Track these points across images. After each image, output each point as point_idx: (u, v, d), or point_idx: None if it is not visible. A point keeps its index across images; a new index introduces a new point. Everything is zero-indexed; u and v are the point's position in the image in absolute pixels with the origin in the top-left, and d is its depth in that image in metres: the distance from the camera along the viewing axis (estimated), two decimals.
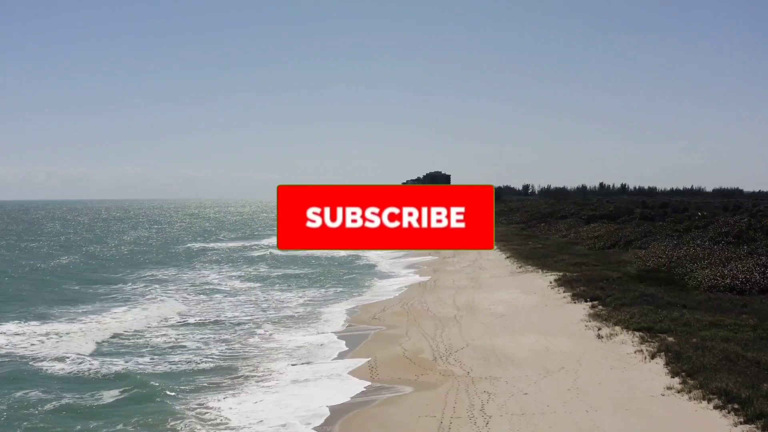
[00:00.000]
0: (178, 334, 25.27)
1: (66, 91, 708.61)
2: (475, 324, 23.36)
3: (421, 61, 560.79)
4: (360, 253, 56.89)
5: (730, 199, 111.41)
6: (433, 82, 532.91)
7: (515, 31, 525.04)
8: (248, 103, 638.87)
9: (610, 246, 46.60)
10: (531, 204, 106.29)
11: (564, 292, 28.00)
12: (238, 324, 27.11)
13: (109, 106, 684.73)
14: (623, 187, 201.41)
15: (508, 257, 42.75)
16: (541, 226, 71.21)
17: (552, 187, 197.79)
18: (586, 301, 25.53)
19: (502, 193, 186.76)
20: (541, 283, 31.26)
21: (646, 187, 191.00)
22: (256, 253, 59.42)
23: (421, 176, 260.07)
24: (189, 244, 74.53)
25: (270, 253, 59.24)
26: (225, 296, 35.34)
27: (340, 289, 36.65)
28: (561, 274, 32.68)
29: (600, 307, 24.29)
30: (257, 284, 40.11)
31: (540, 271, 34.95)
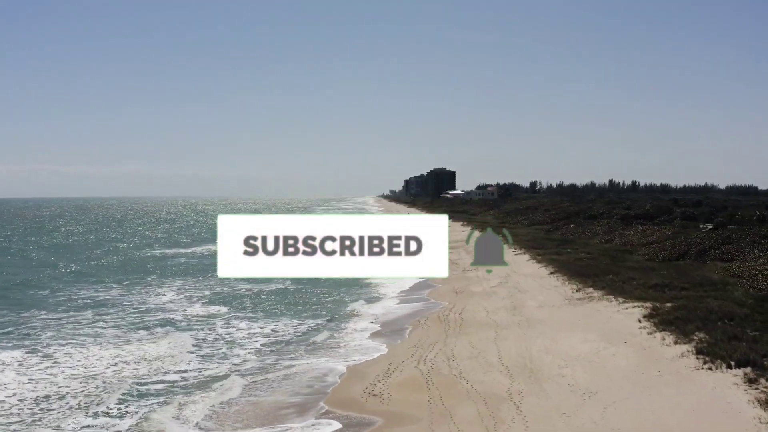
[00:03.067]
0: (48, 420, 15.23)
1: (69, 90, 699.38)
2: (551, 418, 12.99)
3: (423, 59, 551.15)
4: None
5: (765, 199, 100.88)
6: (435, 80, 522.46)
7: (516, 33, 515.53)
8: (252, 103, 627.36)
9: (677, 256, 36.17)
10: (550, 202, 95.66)
11: (675, 342, 17.52)
12: (155, 392, 17.03)
13: (112, 105, 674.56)
14: (634, 184, 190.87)
15: (552, 273, 32.06)
16: (571, 227, 60.79)
17: (561, 184, 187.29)
18: (729, 367, 15.13)
19: (511, 191, 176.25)
20: (623, 320, 20.80)
21: (658, 184, 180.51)
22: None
23: (425, 173, 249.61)
24: (194, 248, 64.38)
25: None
26: (168, 332, 25.51)
27: (321, 320, 26.42)
28: (648, 305, 22.18)
29: (765, 381, 13.95)
30: (222, 308, 30.34)
31: (612, 297, 24.30)
